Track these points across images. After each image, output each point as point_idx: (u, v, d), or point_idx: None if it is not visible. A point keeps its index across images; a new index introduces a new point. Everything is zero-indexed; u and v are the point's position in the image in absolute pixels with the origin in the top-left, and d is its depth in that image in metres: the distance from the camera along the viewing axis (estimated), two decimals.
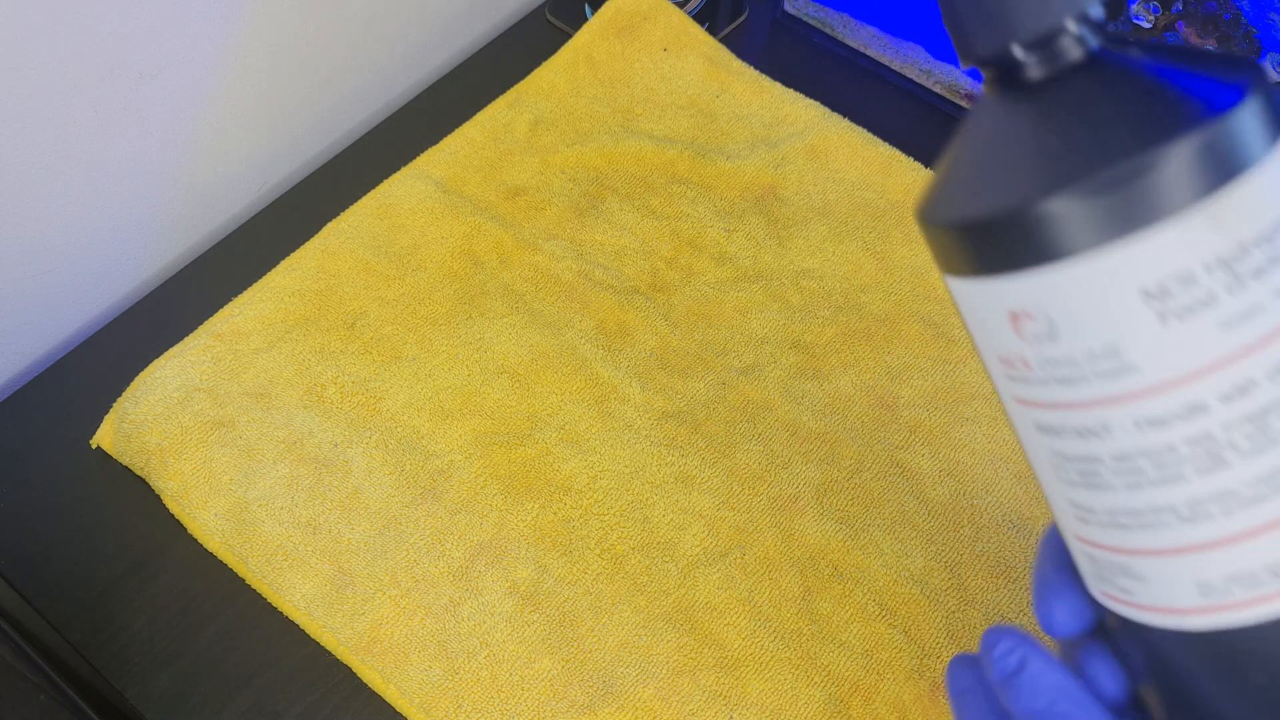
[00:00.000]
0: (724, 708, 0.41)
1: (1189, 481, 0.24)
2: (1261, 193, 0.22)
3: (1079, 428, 0.24)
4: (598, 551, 0.44)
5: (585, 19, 0.61)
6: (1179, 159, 0.22)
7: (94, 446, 0.48)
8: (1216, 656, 0.25)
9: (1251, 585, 0.24)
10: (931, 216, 0.25)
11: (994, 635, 0.29)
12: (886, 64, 0.60)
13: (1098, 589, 0.27)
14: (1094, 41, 0.24)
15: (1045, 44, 0.24)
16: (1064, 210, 0.22)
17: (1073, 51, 0.24)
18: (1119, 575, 0.26)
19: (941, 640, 0.42)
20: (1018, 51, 0.24)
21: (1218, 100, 0.22)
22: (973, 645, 0.42)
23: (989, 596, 0.43)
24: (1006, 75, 0.24)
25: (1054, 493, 0.26)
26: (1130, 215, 0.22)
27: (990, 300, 0.24)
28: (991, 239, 0.23)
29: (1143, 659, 0.27)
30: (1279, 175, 0.23)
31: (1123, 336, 0.23)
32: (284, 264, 0.52)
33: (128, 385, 0.48)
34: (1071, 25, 0.24)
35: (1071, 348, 0.23)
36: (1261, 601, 0.24)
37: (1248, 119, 0.22)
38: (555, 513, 0.45)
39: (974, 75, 0.58)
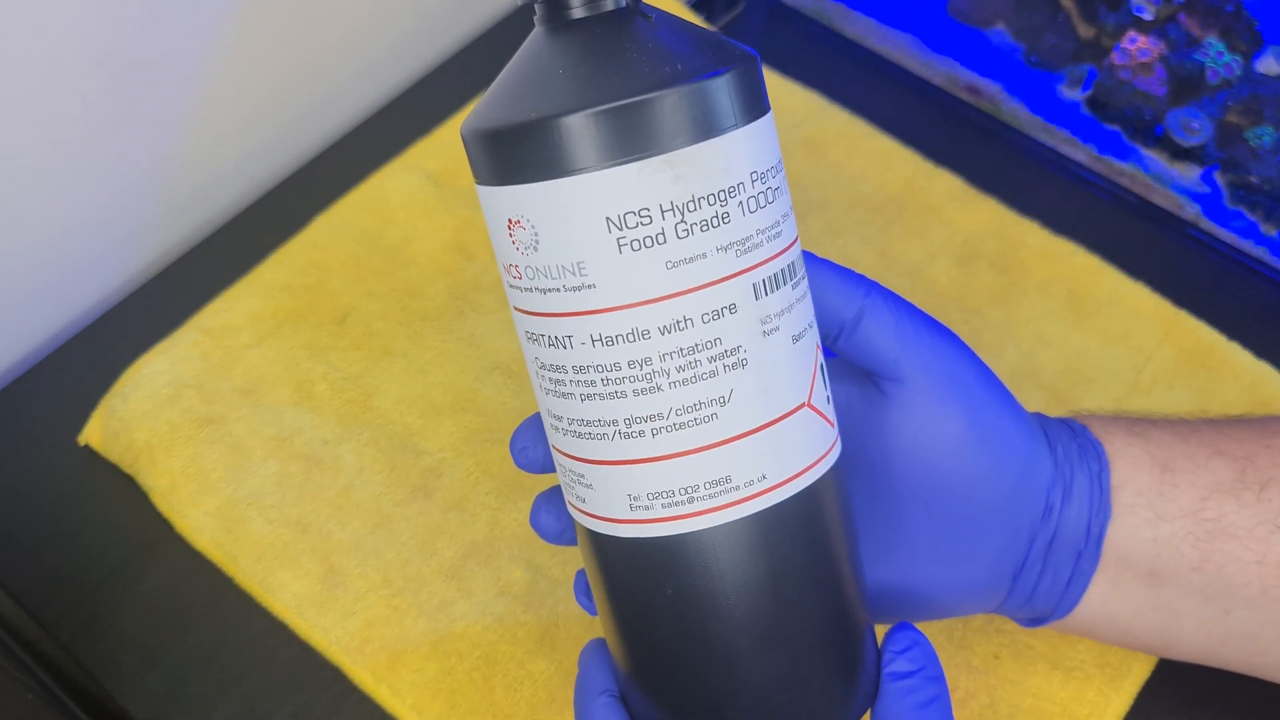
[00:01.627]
0: None
1: (628, 400, 0.27)
2: (717, 159, 0.26)
3: (551, 337, 0.27)
4: None
5: None
6: (651, 109, 0.25)
7: (82, 444, 0.47)
8: (639, 566, 0.29)
9: (669, 503, 0.27)
10: (465, 127, 0.28)
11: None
12: (884, 55, 0.60)
13: (567, 498, 0.30)
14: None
15: None
16: (556, 134, 0.26)
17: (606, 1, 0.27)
18: (576, 484, 0.29)
19: (940, 639, 0.41)
20: None
21: (698, 70, 0.26)
22: (971, 645, 0.41)
23: None
24: (551, 11, 0.28)
25: (539, 401, 0.29)
26: (606, 149, 0.25)
27: (497, 207, 0.27)
28: (502, 150, 0.27)
29: (591, 565, 0.30)
30: (737, 150, 0.26)
31: (587, 257, 0.26)
32: (273, 258, 0.51)
33: (116, 381, 0.48)
34: None
35: (549, 259, 0.27)
36: (676, 519, 0.28)
37: (718, 94, 0.26)
38: None
39: (970, 66, 0.57)
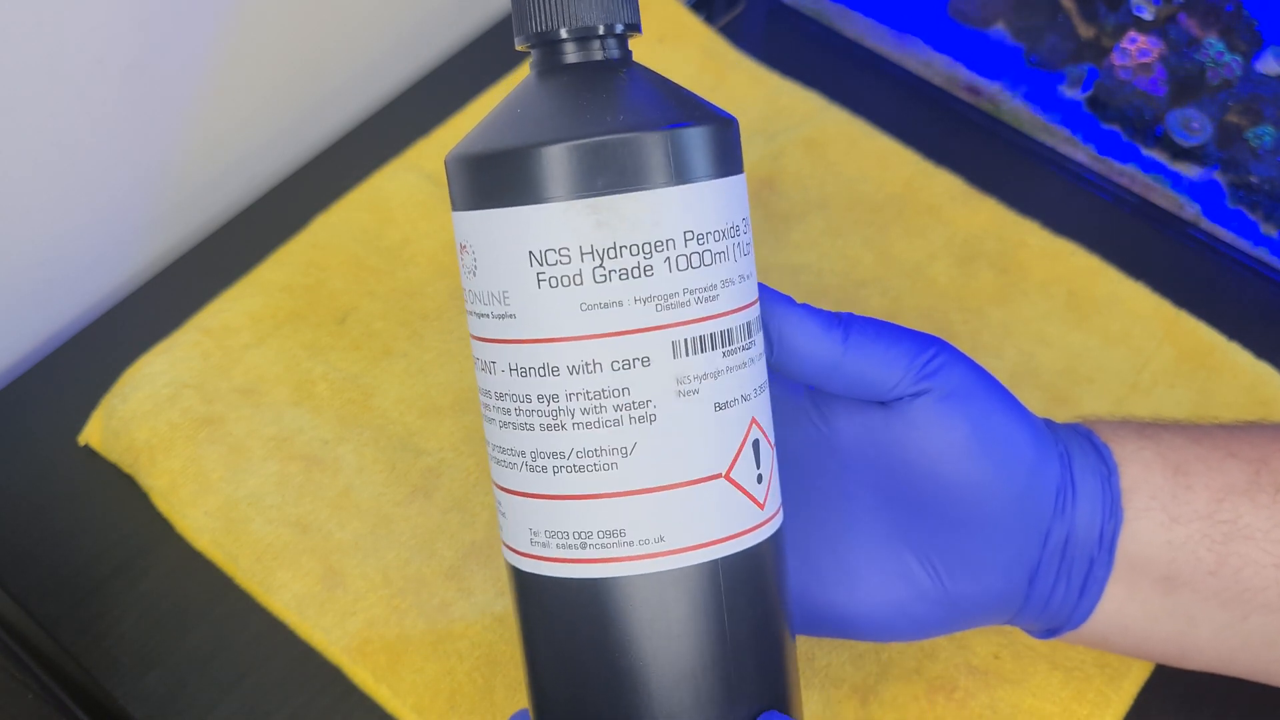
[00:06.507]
0: None
1: (535, 433, 0.28)
2: (644, 211, 0.26)
3: (484, 361, 0.29)
4: None
5: None
6: (580, 154, 0.26)
7: (82, 444, 0.47)
8: (537, 602, 0.29)
9: (563, 544, 0.28)
10: (447, 158, 0.29)
11: None
12: (884, 55, 0.60)
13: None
14: (615, 53, 0.29)
15: (583, 37, 0.28)
16: (494, 167, 0.27)
17: (595, 52, 0.28)
18: (498, 507, 0.30)
19: (941, 640, 0.41)
20: (563, 33, 0.28)
21: (638, 124, 0.27)
22: (971, 646, 0.41)
23: None
24: (547, 57, 0.29)
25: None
26: (535, 186, 0.26)
27: (456, 231, 0.29)
28: (458, 179, 0.28)
29: (512, 591, 0.31)
30: (668, 206, 0.27)
31: (511, 287, 0.27)
32: (273, 258, 0.51)
33: (116, 381, 0.48)
34: (600, 31, 0.28)
35: (483, 286, 0.28)
36: (568, 561, 0.28)
37: (652, 149, 0.26)
38: None
39: (970, 66, 0.57)
